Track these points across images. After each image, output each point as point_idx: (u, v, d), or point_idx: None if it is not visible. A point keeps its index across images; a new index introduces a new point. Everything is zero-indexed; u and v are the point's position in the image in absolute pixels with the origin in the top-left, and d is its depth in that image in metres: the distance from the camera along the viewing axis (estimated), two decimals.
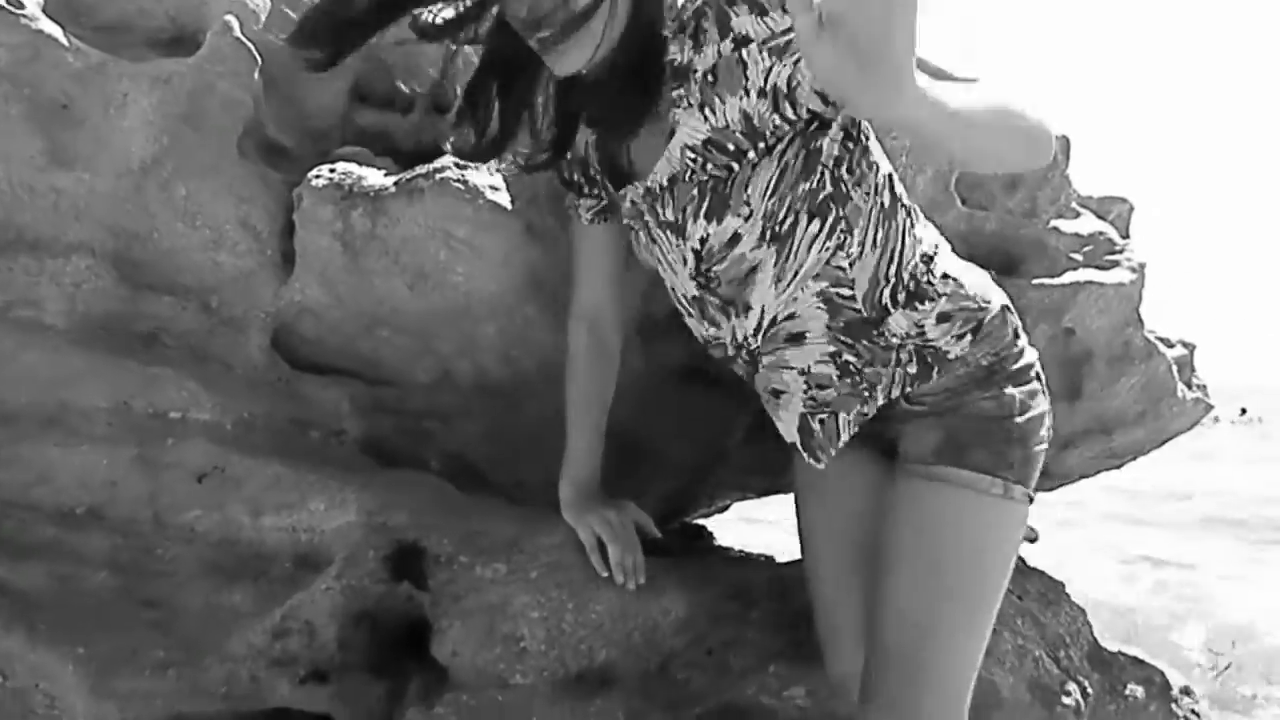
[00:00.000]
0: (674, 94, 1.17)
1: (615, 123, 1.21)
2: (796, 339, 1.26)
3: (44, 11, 1.40)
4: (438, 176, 1.51)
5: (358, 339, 1.71)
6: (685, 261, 1.26)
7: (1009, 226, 1.85)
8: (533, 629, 1.45)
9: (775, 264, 1.20)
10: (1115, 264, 1.83)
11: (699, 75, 1.14)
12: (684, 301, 1.32)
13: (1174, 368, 1.93)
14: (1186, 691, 1.87)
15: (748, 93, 1.12)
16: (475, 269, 1.57)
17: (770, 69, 1.10)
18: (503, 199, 1.53)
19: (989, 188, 1.87)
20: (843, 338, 1.24)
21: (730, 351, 1.32)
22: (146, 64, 1.43)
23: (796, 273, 1.21)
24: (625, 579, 1.48)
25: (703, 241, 1.22)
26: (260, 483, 1.55)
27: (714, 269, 1.24)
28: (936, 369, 1.25)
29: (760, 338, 1.27)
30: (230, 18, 1.47)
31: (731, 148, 1.16)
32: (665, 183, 1.22)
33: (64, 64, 1.39)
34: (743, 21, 1.09)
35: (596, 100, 1.19)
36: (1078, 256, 1.84)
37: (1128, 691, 1.73)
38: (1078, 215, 1.90)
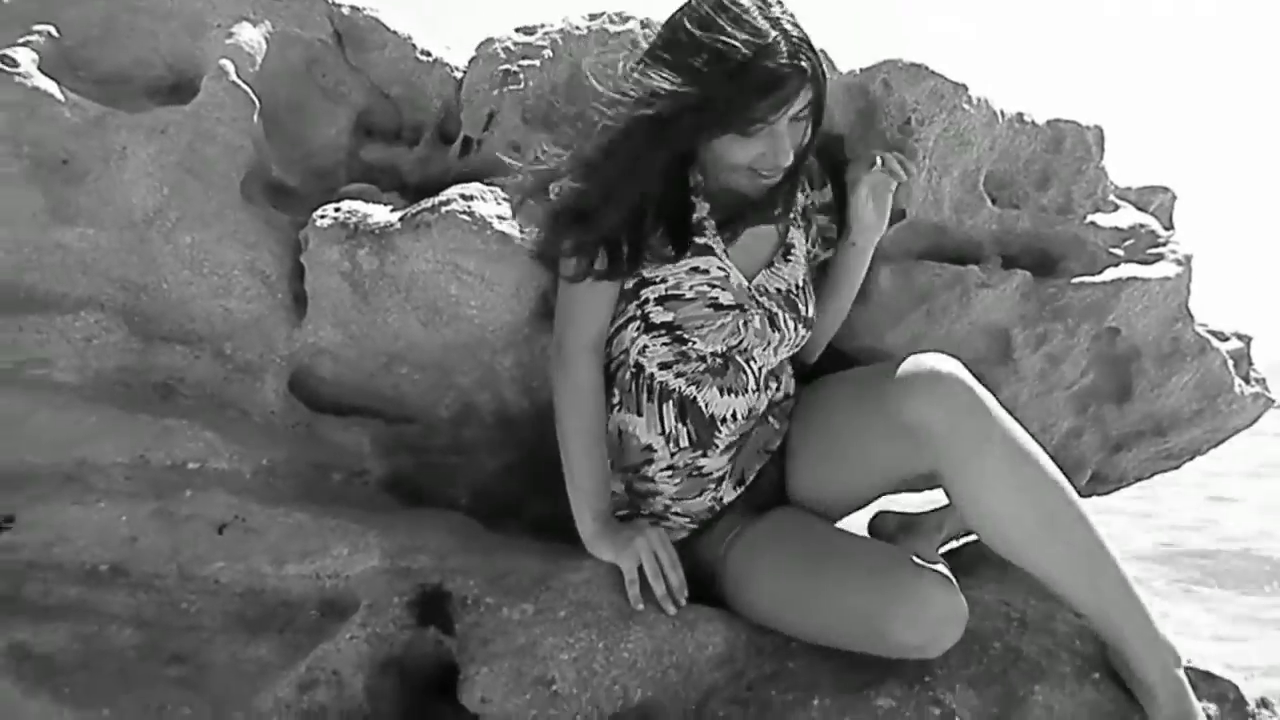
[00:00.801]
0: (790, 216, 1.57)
1: (756, 220, 1.52)
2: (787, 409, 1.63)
3: (40, 68, 1.40)
4: (443, 209, 1.48)
5: (377, 377, 1.68)
6: (795, 340, 1.56)
7: (1043, 224, 1.76)
8: (563, 671, 1.40)
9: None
10: (1159, 257, 1.73)
11: (801, 210, 1.60)
12: (759, 372, 1.55)
13: (1229, 362, 1.83)
14: (1264, 704, 1.75)
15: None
16: (488, 301, 1.53)
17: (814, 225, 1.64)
18: (510, 229, 1.49)
19: (1019, 185, 1.79)
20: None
21: (754, 409, 1.57)
22: (144, 115, 1.42)
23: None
24: (670, 604, 1.45)
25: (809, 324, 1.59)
26: (282, 531, 1.53)
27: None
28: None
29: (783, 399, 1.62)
30: (225, 62, 1.45)
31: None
32: (801, 282, 1.56)
33: (61, 119, 1.39)
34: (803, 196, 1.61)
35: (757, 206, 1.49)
36: (1118, 251, 1.74)
37: None
38: (1116, 208, 1.81)
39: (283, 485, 1.61)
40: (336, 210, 1.50)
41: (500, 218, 1.49)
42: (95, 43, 1.50)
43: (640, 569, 1.46)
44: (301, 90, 1.64)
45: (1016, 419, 1.38)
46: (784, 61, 1.29)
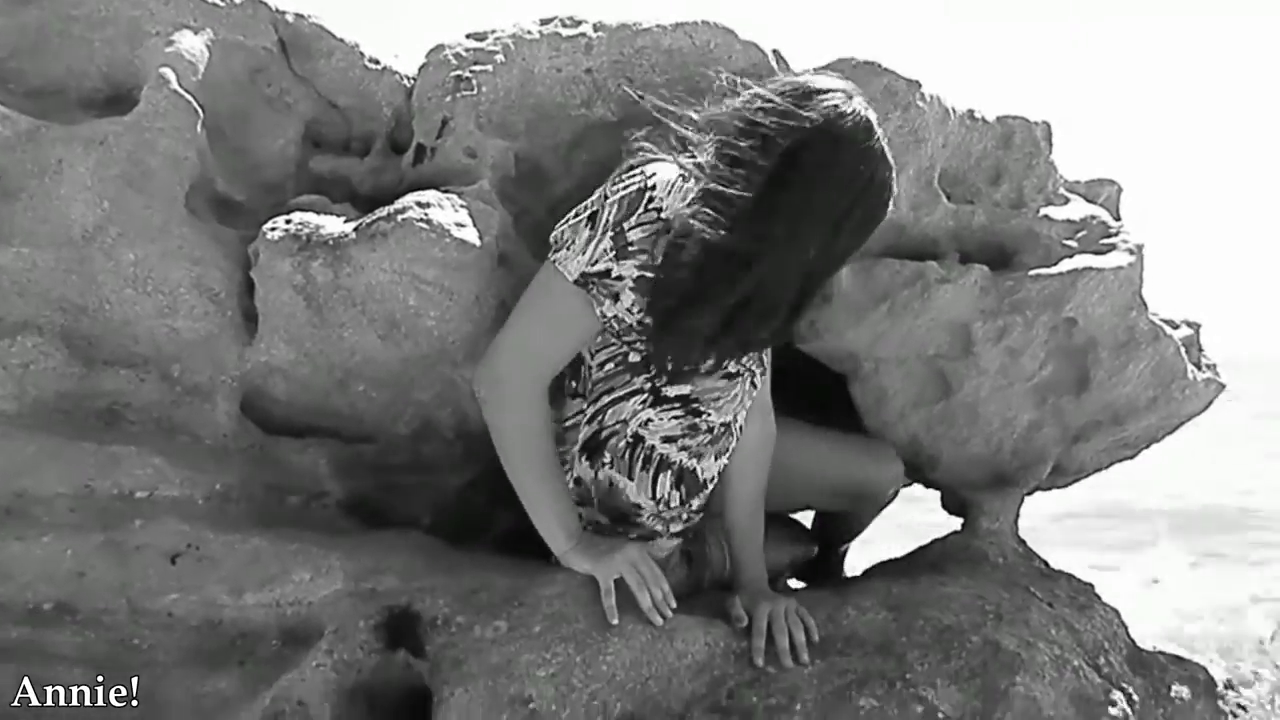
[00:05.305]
0: None
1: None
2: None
3: None
4: (400, 218, 1.44)
5: (332, 395, 1.63)
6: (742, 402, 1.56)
7: (998, 219, 1.78)
8: (541, 689, 1.36)
9: None
10: (1112, 247, 1.76)
11: None
12: (715, 429, 1.54)
13: (1182, 349, 1.86)
14: (1231, 686, 1.79)
15: None
16: (448, 311, 1.49)
17: None
18: (470, 235, 1.46)
19: (972, 181, 1.81)
20: None
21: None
22: (81, 126, 1.36)
23: None
24: (656, 616, 1.43)
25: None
26: (239, 558, 1.47)
27: None
28: None
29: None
30: (166, 70, 1.39)
31: None
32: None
33: None
34: None
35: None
36: (1072, 243, 1.77)
37: (1173, 693, 1.64)
38: (1067, 201, 1.84)
39: (237, 510, 1.54)
40: (288, 222, 1.46)
41: (459, 224, 1.45)
42: (26, 54, 1.44)
43: (619, 581, 1.43)
44: (246, 100, 1.59)
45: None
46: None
